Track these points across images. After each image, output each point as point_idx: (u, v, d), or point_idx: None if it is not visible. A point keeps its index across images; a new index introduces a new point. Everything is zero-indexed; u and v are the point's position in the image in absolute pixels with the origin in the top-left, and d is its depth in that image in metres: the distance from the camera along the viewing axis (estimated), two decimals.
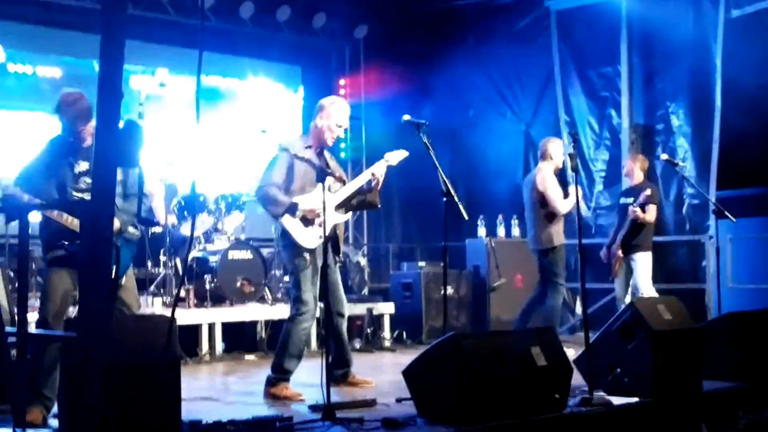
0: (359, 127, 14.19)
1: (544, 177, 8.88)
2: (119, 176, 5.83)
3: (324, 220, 6.16)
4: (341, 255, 7.18)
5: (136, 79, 11.57)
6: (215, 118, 12.68)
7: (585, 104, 11.91)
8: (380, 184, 6.93)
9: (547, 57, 12.30)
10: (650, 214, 9.20)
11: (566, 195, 8.83)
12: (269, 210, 6.75)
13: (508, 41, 12.67)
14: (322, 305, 6.49)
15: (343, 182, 6.97)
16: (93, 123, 5.67)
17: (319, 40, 13.56)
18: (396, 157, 6.99)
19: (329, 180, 6.75)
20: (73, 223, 5.62)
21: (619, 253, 9.27)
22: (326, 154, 7.03)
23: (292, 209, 6.62)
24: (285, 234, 6.69)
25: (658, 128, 11.20)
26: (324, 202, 6.07)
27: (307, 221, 6.60)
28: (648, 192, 9.08)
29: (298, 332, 6.62)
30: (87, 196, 5.67)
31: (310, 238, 6.61)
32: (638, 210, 9.11)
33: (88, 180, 5.68)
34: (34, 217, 8.89)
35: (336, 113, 6.89)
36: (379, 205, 7.24)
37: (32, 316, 5.81)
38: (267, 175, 6.77)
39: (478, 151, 11.66)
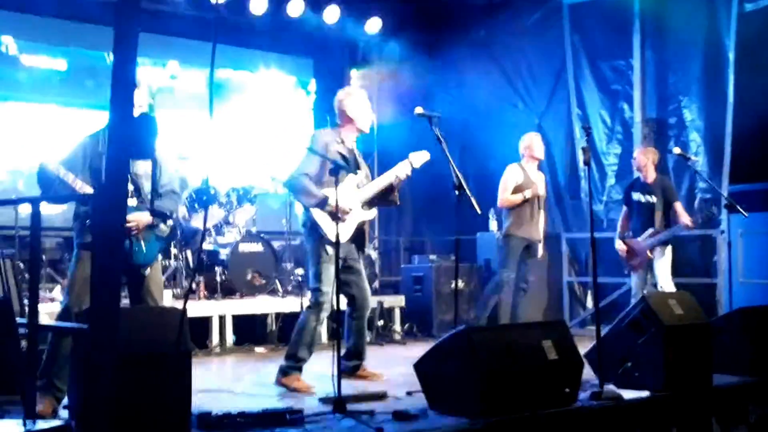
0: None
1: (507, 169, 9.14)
2: (150, 172, 5.97)
3: (355, 216, 6.26)
4: (365, 250, 7.24)
5: (147, 71, 11.58)
6: (226, 110, 12.70)
7: (597, 97, 11.86)
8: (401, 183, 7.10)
9: (559, 50, 12.25)
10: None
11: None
12: (301, 200, 6.81)
13: (521, 34, 12.64)
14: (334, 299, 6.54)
15: (369, 178, 7.12)
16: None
17: (331, 33, 13.53)
18: (419, 159, 7.09)
19: (360, 176, 6.93)
20: None
21: (649, 253, 9.20)
22: (356, 150, 7.10)
23: (322, 203, 6.67)
24: (312, 225, 6.75)
25: (671, 122, 11.14)
26: (354, 196, 6.16)
27: (334, 215, 6.63)
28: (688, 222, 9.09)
29: (314, 321, 6.69)
30: None
31: (336, 232, 6.65)
32: (691, 224, 9.08)
33: None
34: (47, 209, 8.95)
35: (361, 101, 7.03)
36: (398, 203, 7.34)
37: (43, 308, 5.84)
38: (300, 165, 6.82)
39: (489, 144, 11.61)
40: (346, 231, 6.75)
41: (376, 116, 13.47)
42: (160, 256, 6.10)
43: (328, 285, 6.67)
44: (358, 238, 6.96)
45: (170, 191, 6.09)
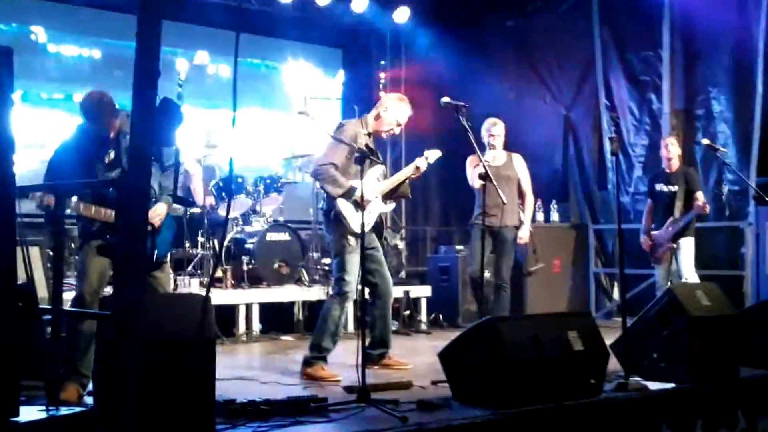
0: None
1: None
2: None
3: (376, 207, 6.30)
4: (386, 237, 7.29)
5: (176, 60, 11.61)
6: (255, 100, 12.72)
7: (625, 89, 11.79)
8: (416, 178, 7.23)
9: (588, 41, 12.19)
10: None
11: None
12: (328, 189, 6.81)
13: (550, 25, 12.59)
14: (359, 288, 6.55)
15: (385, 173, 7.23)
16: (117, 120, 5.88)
17: (359, 23, 13.52)
18: (433, 155, 7.20)
19: (380, 169, 7.02)
20: (109, 216, 5.69)
21: (670, 244, 9.15)
22: (371, 143, 7.12)
23: (349, 193, 6.69)
24: (336, 215, 6.76)
25: (699, 113, 11.05)
26: (380, 184, 6.22)
27: (358, 206, 6.65)
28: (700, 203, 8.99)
29: (338, 311, 6.69)
30: None
31: (359, 222, 6.65)
32: (707, 207, 9.01)
33: (119, 169, 5.82)
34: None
35: (400, 112, 7.06)
36: (409, 197, 7.50)
37: (68, 295, 5.87)
38: (328, 153, 6.86)
39: (517, 135, 11.53)
40: (368, 221, 6.77)
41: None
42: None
43: (352, 274, 6.68)
44: (377, 227, 7.04)
45: (170, 165, 6.09)
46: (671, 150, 9.39)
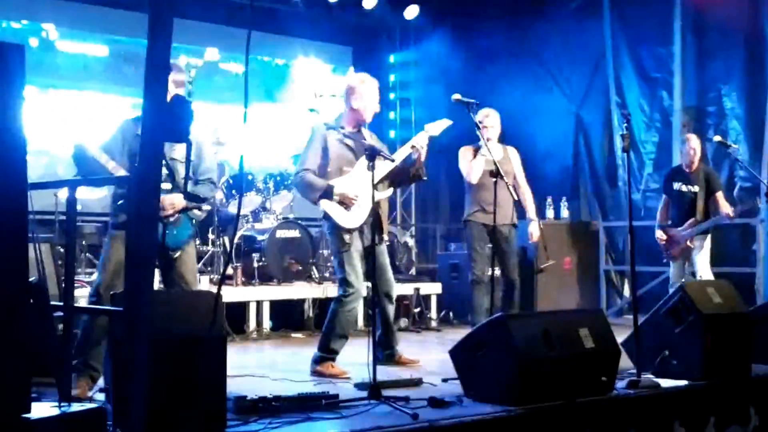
0: (409, 107, 14.18)
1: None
2: (195, 159, 5.99)
3: (367, 199, 6.17)
4: (386, 234, 7.13)
5: (186, 57, 11.63)
6: (265, 97, 12.73)
7: (636, 85, 11.76)
8: (423, 156, 6.82)
9: (598, 37, 12.15)
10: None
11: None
12: (306, 196, 6.81)
13: (561, 21, 12.55)
14: (369, 285, 6.51)
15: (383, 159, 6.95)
16: None
17: (369, 20, 13.52)
18: (437, 127, 6.87)
19: (365, 162, 6.71)
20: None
21: (688, 243, 9.10)
22: (365, 132, 6.99)
23: (327, 193, 6.63)
24: (326, 216, 6.73)
25: (710, 110, 11.01)
26: (372, 182, 6.04)
27: (343, 203, 6.61)
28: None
29: (345, 313, 6.65)
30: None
31: (349, 218, 6.61)
32: (734, 213, 8.97)
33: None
34: (85, 194, 9.00)
35: (369, 91, 6.88)
36: (425, 177, 7.06)
37: (79, 292, 5.88)
38: (302, 160, 6.82)
39: (527, 132, 11.54)
40: (359, 217, 6.64)
41: (413, 102, 13.53)
42: (193, 242, 6.12)
43: (354, 273, 6.63)
44: (376, 221, 6.72)
45: (208, 179, 6.12)
46: (695, 148, 9.25)
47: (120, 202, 5.80)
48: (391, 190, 7.03)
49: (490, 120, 8.15)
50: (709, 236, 9.10)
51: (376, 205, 6.58)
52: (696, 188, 9.09)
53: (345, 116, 6.95)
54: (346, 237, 6.63)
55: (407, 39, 14.17)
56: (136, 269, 3.44)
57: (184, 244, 5.93)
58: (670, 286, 9.09)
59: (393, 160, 6.62)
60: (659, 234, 9.27)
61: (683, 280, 8.96)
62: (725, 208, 8.90)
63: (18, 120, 3.33)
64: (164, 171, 5.89)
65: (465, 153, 8.20)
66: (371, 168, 5.99)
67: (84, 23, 11.56)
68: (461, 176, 8.19)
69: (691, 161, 9.17)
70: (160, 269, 6.01)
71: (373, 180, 6.01)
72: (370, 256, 6.58)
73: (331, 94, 11.86)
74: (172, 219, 5.86)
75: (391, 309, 7.03)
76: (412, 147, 6.79)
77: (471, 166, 8.06)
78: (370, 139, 6.95)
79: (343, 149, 6.72)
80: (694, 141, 9.22)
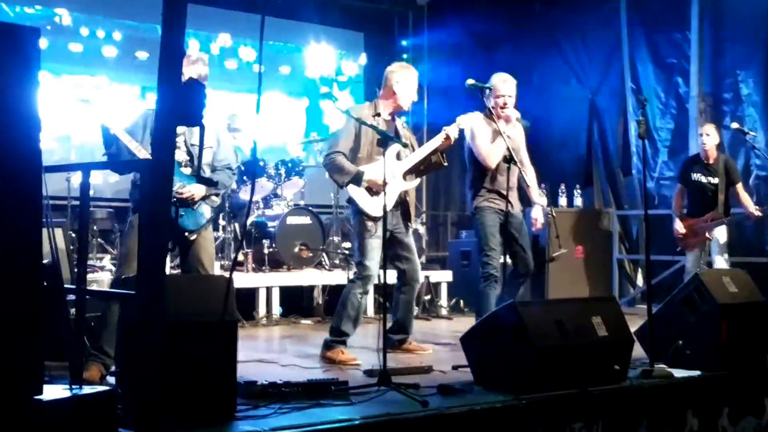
0: (421, 93, 14.12)
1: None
2: (213, 146, 6.07)
3: (394, 188, 6.19)
4: (412, 222, 7.13)
5: (197, 43, 11.62)
6: (276, 83, 12.70)
7: (652, 72, 11.66)
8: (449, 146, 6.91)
9: (614, 23, 12.05)
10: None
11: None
12: (335, 178, 6.80)
13: (576, 7, 12.46)
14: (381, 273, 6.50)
15: (413, 149, 7.00)
16: None
17: (381, 6, 13.47)
18: (468, 120, 6.97)
19: (397, 147, 6.78)
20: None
21: (707, 235, 9.05)
22: (398, 122, 7.04)
23: (357, 179, 6.64)
24: (352, 201, 6.75)
25: (726, 97, 10.91)
26: (385, 172, 6.07)
27: (372, 190, 6.60)
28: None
29: (357, 295, 6.67)
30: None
31: (375, 206, 6.60)
32: (759, 213, 8.92)
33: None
34: (97, 179, 9.01)
35: (410, 79, 6.91)
36: (446, 163, 6.99)
37: (92, 276, 5.87)
38: (334, 142, 6.82)
39: (541, 118, 11.47)
40: (384, 205, 6.53)
41: (426, 88, 13.48)
42: (210, 228, 6.12)
43: (372, 259, 6.64)
44: (403, 210, 6.91)
45: (226, 167, 6.17)
46: (707, 141, 9.18)
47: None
48: (418, 180, 7.08)
49: (506, 87, 7.35)
50: (725, 226, 9.05)
51: (404, 194, 6.76)
52: (716, 180, 9.03)
53: (382, 102, 6.93)
54: (369, 224, 6.65)
55: (420, 24, 14.10)
56: (148, 253, 3.43)
57: (201, 228, 5.94)
58: (686, 274, 9.03)
59: (402, 142, 6.69)
60: (678, 225, 9.19)
61: (698, 269, 8.91)
62: (750, 206, 8.86)
63: (33, 103, 3.32)
64: (185, 156, 5.92)
65: (483, 132, 7.31)
66: (399, 157, 6.03)
67: (97, 8, 11.53)
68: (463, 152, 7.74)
69: (704, 153, 9.12)
70: (180, 254, 6.01)
71: (387, 170, 6.02)
72: (397, 242, 6.70)
73: (346, 80, 11.79)
74: (192, 206, 5.88)
75: (414, 294, 7.06)
76: (445, 138, 6.82)
77: (490, 150, 7.27)
78: (402, 129, 7.02)
79: (375, 136, 6.69)
80: (705, 133, 9.18)
